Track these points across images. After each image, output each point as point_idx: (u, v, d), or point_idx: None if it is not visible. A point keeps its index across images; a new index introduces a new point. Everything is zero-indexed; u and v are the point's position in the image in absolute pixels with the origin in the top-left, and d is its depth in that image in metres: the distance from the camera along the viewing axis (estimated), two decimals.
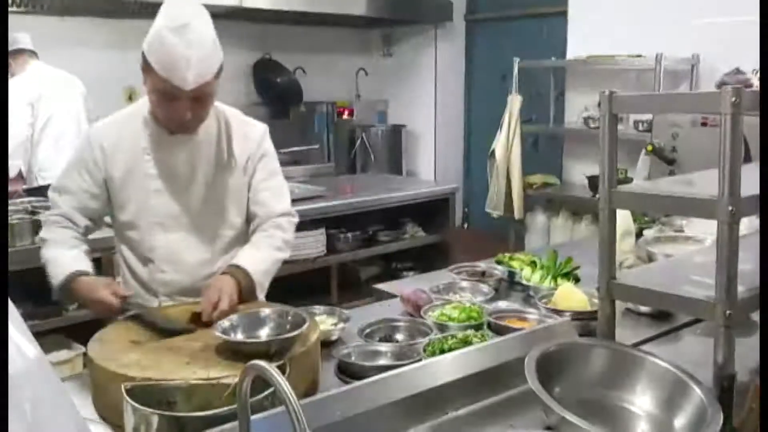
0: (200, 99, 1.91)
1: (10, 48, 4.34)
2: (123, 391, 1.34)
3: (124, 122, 2.08)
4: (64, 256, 1.98)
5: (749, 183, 1.42)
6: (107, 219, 2.16)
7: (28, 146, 4.32)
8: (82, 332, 2.60)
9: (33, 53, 4.48)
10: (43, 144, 4.36)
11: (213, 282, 1.92)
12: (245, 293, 1.93)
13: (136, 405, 1.31)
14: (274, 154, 2.18)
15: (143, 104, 2.05)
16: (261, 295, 2.05)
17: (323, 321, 2.02)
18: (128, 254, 2.10)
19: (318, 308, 2.09)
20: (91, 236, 2.13)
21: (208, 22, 1.90)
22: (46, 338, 3.20)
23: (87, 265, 1.98)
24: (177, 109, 1.90)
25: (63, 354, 3.26)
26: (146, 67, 1.90)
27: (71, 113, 4.52)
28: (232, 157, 2.09)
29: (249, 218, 2.14)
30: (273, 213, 2.11)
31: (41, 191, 4.01)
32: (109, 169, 2.02)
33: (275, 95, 6.32)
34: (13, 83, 4.24)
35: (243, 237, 2.13)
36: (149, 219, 2.03)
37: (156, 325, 1.78)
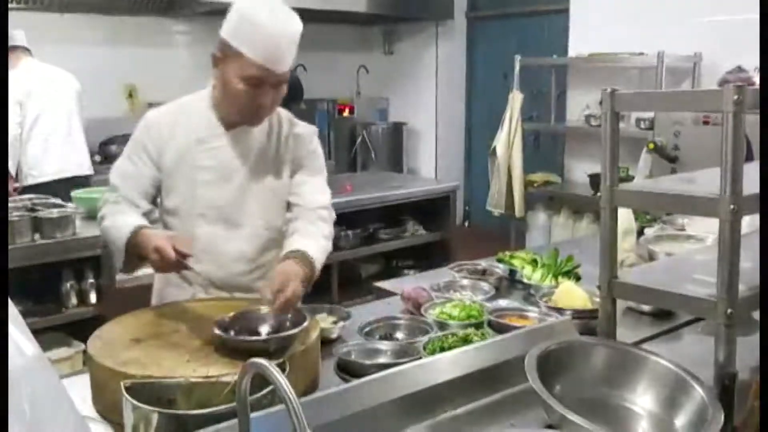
0: (282, 84, 1.94)
1: None
2: (122, 388, 1.33)
3: (181, 112, 2.08)
4: (126, 221, 1.93)
5: (751, 181, 1.41)
6: None
7: (17, 145, 4.28)
8: (81, 329, 2.60)
9: (26, 50, 4.44)
10: (32, 142, 4.33)
11: (278, 269, 1.87)
12: (307, 282, 1.88)
13: (136, 402, 1.30)
14: (322, 155, 2.20)
15: (202, 96, 2.06)
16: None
17: (323, 319, 2.01)
18: None
19: (318, 306, 2.09)
20: None
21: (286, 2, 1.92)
22: (45, 335, 3.20)
23: (146, 221, 1.95)
24: (262, 95, 1.91)
25: (62, 351, 3.26)
26: (229, 56, 1.89)
27: (62, 111, 4.48)
28: (280, 157, 2.09)
29: (288, 210, 2.13)
30: (312, 204, 2.10)
31: (34, 190, 4.01)
32: (162, 155, 2.02)
33: None
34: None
35: (281, 239, 2.11)
36: (193, 209, 2.03)
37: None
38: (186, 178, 2.03)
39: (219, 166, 2.03)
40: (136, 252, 1.89)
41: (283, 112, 2.15)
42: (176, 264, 1.82)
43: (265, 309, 1.76)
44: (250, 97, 1.92)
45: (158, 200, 2.10)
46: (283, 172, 2.10)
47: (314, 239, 2.00)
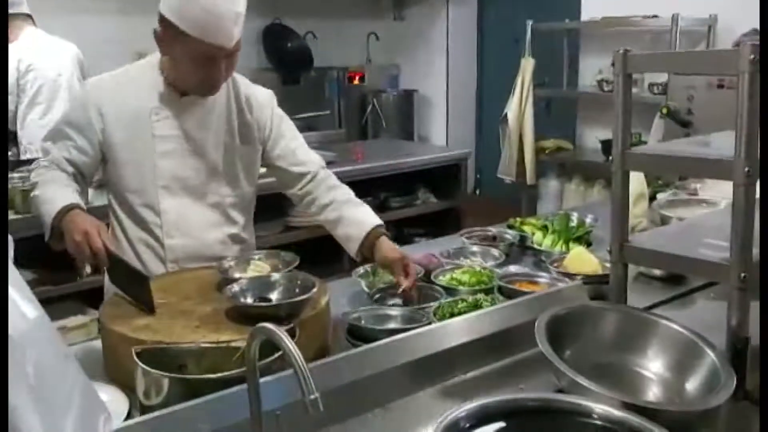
0: (233, 56, 1.88)
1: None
2: (133, 354, 1.34)
3: (126, 82, 2.01)
4: (57, 192, 1.86)
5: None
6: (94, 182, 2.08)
7: (12, 119, 4.22)
8: (95, 298, 2.62)
9: (28, 17, 4.20)
10: (32, 116, 4.27)
11: (389, 255, 1.95)
12: None
13: (147, 368, 1.31)
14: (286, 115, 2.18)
15: (148, 64, 2.00)
16: None
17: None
18: (127, 223, 2.02)
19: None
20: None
21: None
22: (59, 304, 3.23)
23: (82, 203, 1.87)
24: (213, 71, 1.86)
25: (78, 319, 3.30)
26: (173, 35, 1.82)
27: (63, 82, 4.42)
28: (247, 124, 2.06)
29: (289, 181, 2.13)
30: (319, 162, 2.15)
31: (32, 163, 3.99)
32: (108, 131, 1.94)
33: (286, 61, 6.26)
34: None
35: (250, 205, 2.14)
36: (157, 182, 1.98)
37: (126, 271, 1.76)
38: (143, 150, 1.96)
39: (180, 135, 1.97)
40: (59, 229, 1.81)
41: (239, 77, 2.09)
42: (96, 253, 1.74)
43: (276, 276, 1.78)
44: (203, 73, 1.87)
45: (91, 173, 2.02)
46: (251, 138, 2.06)
47: (361, 205, 2.08)
